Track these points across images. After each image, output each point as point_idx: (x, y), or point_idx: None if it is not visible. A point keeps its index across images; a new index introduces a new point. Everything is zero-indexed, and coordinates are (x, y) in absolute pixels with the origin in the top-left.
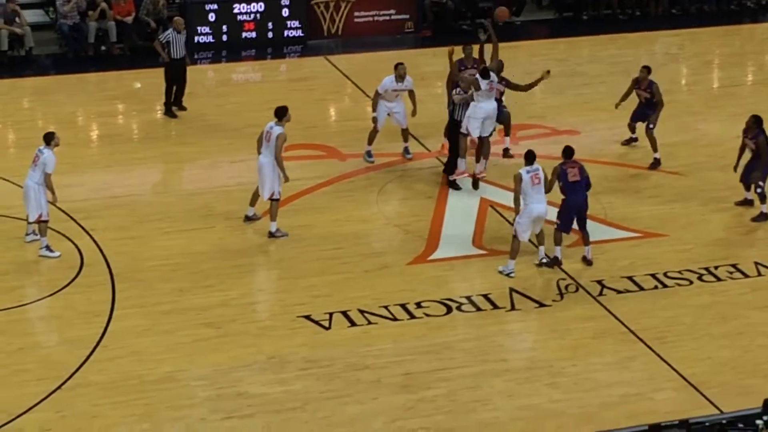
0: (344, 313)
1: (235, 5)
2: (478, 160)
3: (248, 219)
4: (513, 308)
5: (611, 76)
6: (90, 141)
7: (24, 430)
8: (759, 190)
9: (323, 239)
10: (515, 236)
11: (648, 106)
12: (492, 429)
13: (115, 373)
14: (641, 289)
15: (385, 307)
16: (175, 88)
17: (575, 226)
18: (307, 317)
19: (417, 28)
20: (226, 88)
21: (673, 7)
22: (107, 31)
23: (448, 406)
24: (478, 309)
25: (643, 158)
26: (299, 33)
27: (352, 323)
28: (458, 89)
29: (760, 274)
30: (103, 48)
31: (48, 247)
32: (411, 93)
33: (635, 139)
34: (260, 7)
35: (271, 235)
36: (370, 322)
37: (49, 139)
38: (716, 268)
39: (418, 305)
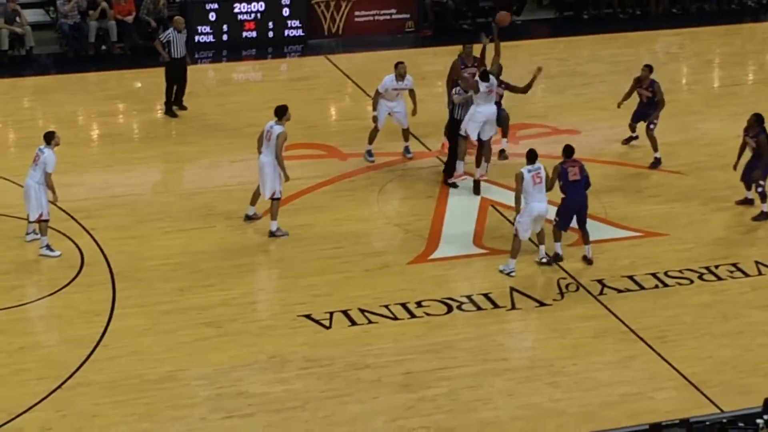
0: (345, 313)
1: (235, 5)
2: (478, 164)
3: (249, 218)
4: (513, 307)
5: (612, 75)
6: (90, 140)
7: (24, 429)
8: (759, 189)
9: (324, 238)
10: (516, 235)
11: (649, 105)
12: (492, 428)
13: (116, 372)
14: (642, 288)
15: (386, 307)
16: (175, 87)
17: (574, 224)
18: (308, 316)
19: (418, 28)
20: (226, 87)
21: (674, 6)
22: (108, 30)
23: (449, 405)
24: (479, 308)
25: (644, 157)
26: (300, 32)
27: (353, 322)
28: (458, 89)
29: (760, 273)
30: (103, 47)
31: (48, 247)
32: (411, 92)
33: (635, 137)
34: (261, 6)
35: (272, 234)
36: (370, 322)
37: (49, 138)
38: (717, 267)
39: (419, 304)
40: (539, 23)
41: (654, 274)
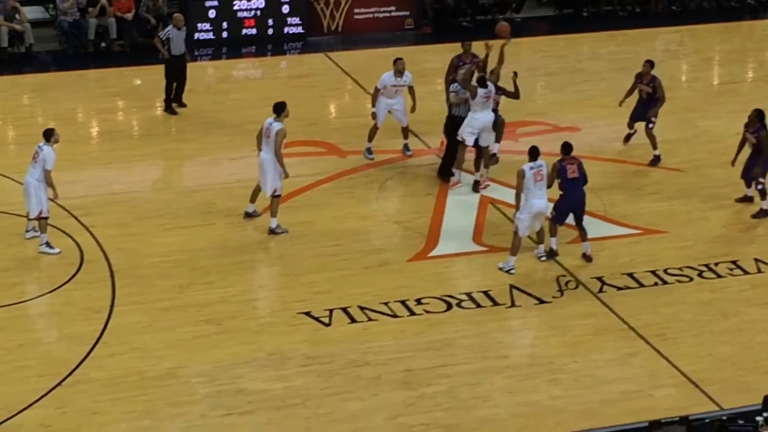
0: (344, 310)
1: (235, 2)
2: (477, 167)
3: (248, 216)
4: (513, 305)
5: (611, 72)
6: (90, 138)
7: (24, 426)
8: (759, 187)
9: (323, 236)
10: (516, 232)
11: (648, 102)
12: (492, 425)
13: (116, 369)
14: (641, 285)
15: (386, 304)
16: (175, 84)
17: (571, 221)
18: (308, 314)
19: (417, 25)
20: (226, 84)
21: (673, 4)
22: (107, 27)
23: (449, 403)
24: (479, 306)
25: (644, 155)
26: (299, 30)
27: (353, 320)
28: (454, 85)
29: (760, 271)
30: (103, 45)
31: (48, 244)
32: (410, 89)
33: (633, 132)
34: (260, 3)
35: (272, 231)
36: (370, 319)
37: (48, 135)
38: (716, 264)
39: (419, 302)
40: (539, 20)
41: (654, 272)
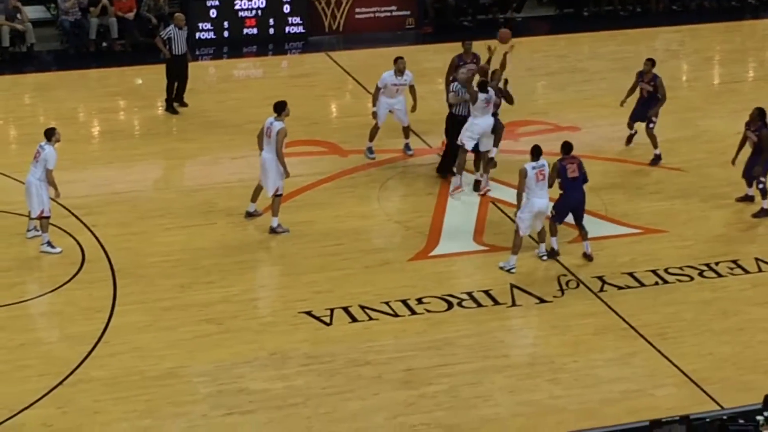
0: (345, 309)
1: (236, 1)
2: (477, 168)
3: (249, 215)
4: (514, 304)
5: (612, 72)
6: (91, 137)
7: (25, 425)
8: (760, 186)
9: (324, 235)
10: (517, 231)
11: (649, 101)
12: (493, 425)
13: (117, 369)
14: (642, 285)
15: (386, 303)
16: (176, 84)
17: (571, 221)
18: (309, 313)
19: (418, 25)
20: (227, 84)
21: (674, 4)
22: (108, 27)
23: (449, 402)
24: (479, 305)
25: (644, 154)
26: (300, 29)
27: (353, 319)
28: (455, 84)
29: (760, 270)
30: (104, 44)
31: (49, 243)
32: (411, 88)
33: (634, 133)
34: (261, 3)
35: (273, 231)
36: (371, 318)
37: (50, 135)
38: (717, 264)
39: (419, 301)
40: (539, 20)
41: (654, 271)
